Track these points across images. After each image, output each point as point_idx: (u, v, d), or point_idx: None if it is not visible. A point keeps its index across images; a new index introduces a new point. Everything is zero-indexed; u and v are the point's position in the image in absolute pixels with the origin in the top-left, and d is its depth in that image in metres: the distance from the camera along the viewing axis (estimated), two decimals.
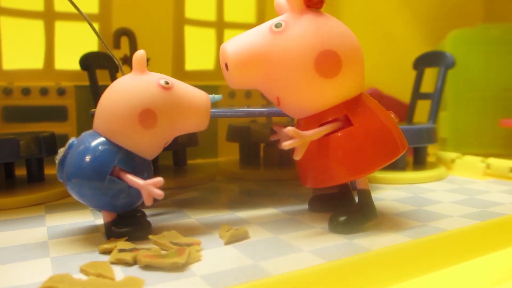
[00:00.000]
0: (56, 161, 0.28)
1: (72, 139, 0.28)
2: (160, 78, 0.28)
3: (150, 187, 0.25)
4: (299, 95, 0.28)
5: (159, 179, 0.26)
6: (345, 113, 0.28)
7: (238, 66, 0.28)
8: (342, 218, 0.29)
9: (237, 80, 0.28)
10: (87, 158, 0.26)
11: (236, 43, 0.28)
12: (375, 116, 0.29)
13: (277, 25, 0.28)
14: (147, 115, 0.27)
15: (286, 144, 0.26)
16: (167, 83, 0.28)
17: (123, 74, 0.29)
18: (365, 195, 0.30)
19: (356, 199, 0.30)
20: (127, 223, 0.28)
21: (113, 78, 0.51)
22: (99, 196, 0.26)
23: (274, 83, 0.28)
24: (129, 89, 0.27)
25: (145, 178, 0.27)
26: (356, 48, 0.29)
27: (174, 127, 0.29)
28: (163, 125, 0.28)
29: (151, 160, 0.29)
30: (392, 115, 0.30)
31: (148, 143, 0.28)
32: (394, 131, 0.29)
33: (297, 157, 0.27)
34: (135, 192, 0.27)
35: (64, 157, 0.27)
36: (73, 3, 0.31)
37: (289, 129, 0.26)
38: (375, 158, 0.28)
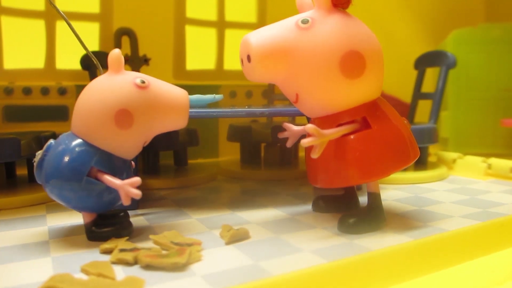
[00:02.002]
0: (34, 163, 0.27)
1: (50, 141, 0.28)
2: (136, 77, 0.28)
3: (127, 187, 0.25)
4: (320, 93, 0.28)
5: (136, 179, 0.26)
6: (363, 116, 0.28)
7: (261, 59, 0.27)
8: (352, 220, 0.29)
9: (258, 73, 0.28)
10: (64, 159, 0.26)
11: (261, 35, 0.28)
12: (390, 121, 0.29)
13: (304, 21, 0.28)
14: (123, 115, 0.26)
15: (305, 142, 0.26)
16: (143, 82, 0.28)
17: (99, 73, 0.29)
18: (375, 198, 0.30)
19: (360, 202, 0.30)
20: (108, 223, 0.28)
21: None
22: (81, 196, 0.26)
23: (296, 79, 0.28)
24: (104, 89, 0.27)
25: (124, 179, 0.26)
26: (379, 51, 0.29)
27: (152, 126, 0.28)
28: (140, 124, 0.27)
29: (132, 159, 0.29)
30: (405, 122, 0.30)
31: (125, 144, 0.28)
32: (407, 139, 0.29)
33: (315, 155, 0.26)
34: (111, 195, 0.27)
35: (42, 159, 0.27)
36: (51, 3, 0.31)
37: (309, 127, 0.26)
38: (388, 163, 0.28)
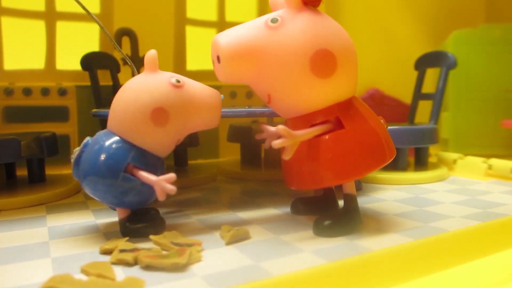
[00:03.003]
0: (72, 160, 0.28)
1: (87, 139, 0.29)
2: (172, 76, 0.29)
3: (163, 182, 0.26)
4: (292, 94, 0.27)
5: (171, 175, 0.26)
6: (337, 115, 0.28)
7: (230, 59, 0.27)
8: (327, 222, 0.28)
9: (228, 74, 0.28)
10: (102, 156, 0.27)
11: (230, 35, 0.27)
12: (365, 121, 0.28)
13: (273, 20, 0.27)
14: (159, 113, 0.27)
15: (276, 143, 0.25)
16: (178, 81, 0.28)
17: (134, 74, 0.29)
18: (351, 200, 0.29)
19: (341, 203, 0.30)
20: (141, 220, 0.29)
21: (114, 78, 0.51)
22: (113, 193, 0.27)
23: (266, 79, 0.28)
24: (141, 88, 0.28)
25: (157, 175, 0.27)
26: (351, 49, 0.28)
27: (186, 124, 0.29)
28: (175, 122, 0.28)
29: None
30: (382, 121, 0.30)
31: (161, 141, 0.28)
32: (383, 138, 0.28)
33: (286, 157, 0.26)
34: (146, 191, 0.27)
35: (79, 156, 0.28)
36: (80, 4, 0.31)
37: (280, 128, 0.25)
38: (363, 164, 0.27)
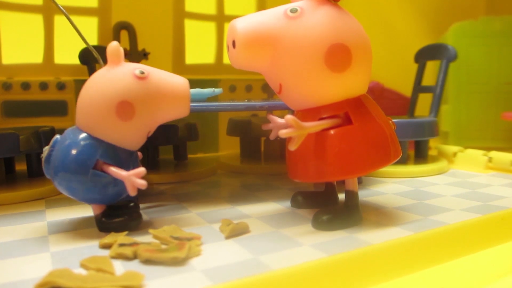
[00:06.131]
0: (42, 159, 0.28)
1: (56, 136, 0.28)
2: (135, 68, 0.28)
3: (133, 177, 0.26)
4: (304, 85, 0.27)
5: (141, 169, 0.26)
6: (346, 111, 0.28)
7: (246, 45, 0.27)
8: (326, 217, 0.28)
9: (242, 60, 0.28)
10: (71, 153, 0.27)
11: (247, 21, 0.27)
12: (374, 119, 0.28)
13: (293, 10, 0.27)
14: (124, 107, 0.27)
15: (283, 132, 0.25)
16: (142, 72, 0.28)
17: (101, 67, 0.29)
18: (352, 197, 0.29)
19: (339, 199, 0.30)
20: (118, 214, 0.29)
21: None
22: (88, 189, 0.27)
23: (280, 68, 0.28)
24: (104, 82, 0.27)
25: (130, 170, 0.27)
26: (367, 47, 0.28)
27: (154, 116, 0.29)
28: (142, 115, 0.28)
29: (137, 151, 0.30)
30: (390, 122, 0.30)
31: (129, 135, 0.28)
32: (389, 138, 0.28)
33: (292, 147, 0.26)
34: (122, 182, 0.27)
35: (49, 155, 0.28)
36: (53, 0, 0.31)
37: (289, 118, 0.25)
38: (368, 161, 0.27)
